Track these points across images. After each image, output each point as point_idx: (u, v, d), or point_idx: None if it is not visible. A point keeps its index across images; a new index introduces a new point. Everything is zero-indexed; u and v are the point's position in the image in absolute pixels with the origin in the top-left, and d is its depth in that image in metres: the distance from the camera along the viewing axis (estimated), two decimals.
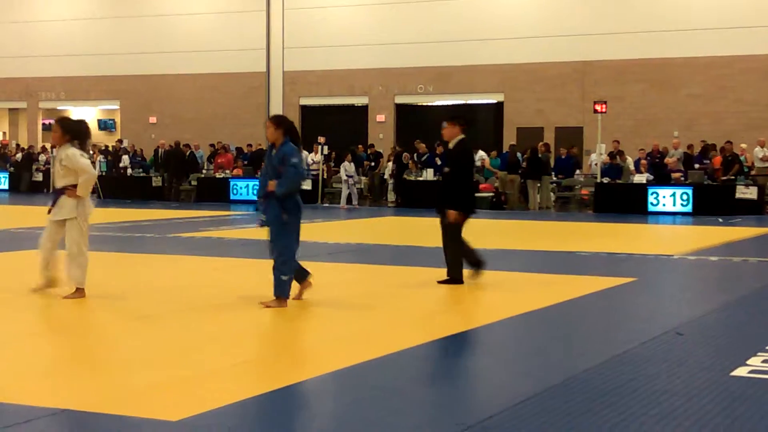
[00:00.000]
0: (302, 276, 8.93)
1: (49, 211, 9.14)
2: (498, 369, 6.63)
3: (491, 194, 25.17)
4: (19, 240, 15.03)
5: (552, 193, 25.48)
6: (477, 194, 25.10)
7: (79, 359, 6.66)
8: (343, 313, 8.68)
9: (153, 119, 34.51)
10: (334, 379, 6.07)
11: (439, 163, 24.74)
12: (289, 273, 8.64)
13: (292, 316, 8.49)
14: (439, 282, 10.37)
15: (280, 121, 8.73)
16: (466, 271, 10.43)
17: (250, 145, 30.05)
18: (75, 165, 9.10)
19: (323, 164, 27.20)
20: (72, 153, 9.11)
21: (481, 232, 19.02)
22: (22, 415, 5.10)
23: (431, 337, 7.46)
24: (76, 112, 38.29)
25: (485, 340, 7.69)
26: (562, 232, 18.93)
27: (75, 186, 9.03)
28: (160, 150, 29.72)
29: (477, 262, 10.43)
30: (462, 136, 10.26)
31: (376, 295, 9.88)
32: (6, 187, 32.16)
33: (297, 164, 8.55)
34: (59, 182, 9.15)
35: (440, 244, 10.58)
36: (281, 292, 8.62)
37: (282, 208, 8.54)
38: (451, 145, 10.35)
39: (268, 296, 8.72)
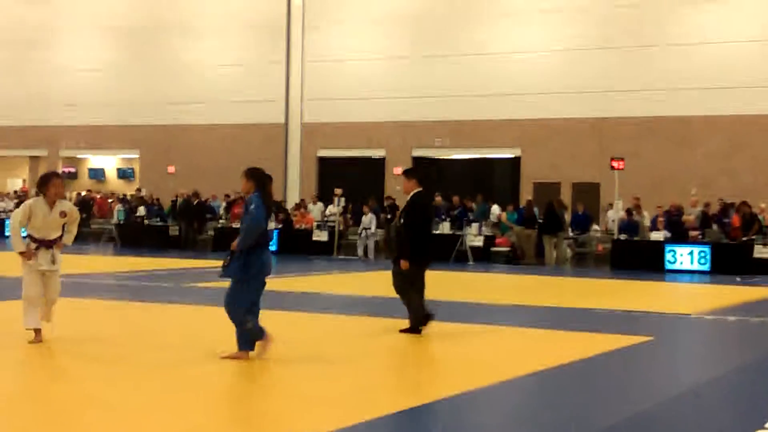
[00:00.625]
0: (259, 335, 8.73)
1: (53, 262, 9.39)
2: (509, 428, 6.53)
3: (507, 249, 25.09)
4: None
5: (568, 249, 25.39)
6: (493, 248, 25.23)
7: (88, 411, 6.62)
8: (351, 366, 8.60)
9: (171, 169, 34.68)
10: None
11: (471, 216, 25.21)
12: (247, 325, 8.55)
13: (301, 370, 8.42)
14: (401, 330, 10.57)
15: (250, 173, 8.74)
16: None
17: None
18: (77, 217, 9.76)
19: (340, 216, 27.24)
20: (72, 206, 9.81)
21: (496, 286, 18.97)
22: None
23: (440, 395, 7.37)
24: (95, 160, 38.60)
25: (497, 398, 7.59)
26: (578, 288, 18.81)
27: (60, 237, 9.51)
28: (178, 199, 29.87)
29: (426, 316, 10.67)
30: (418, 189, 10.68)
31: (386, 348, 9.80)
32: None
33: (252, 211, 8.49)
34: (54, 234, 9.45)
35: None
36: (241, 345, 8.60)
37: (244, 263, 8.47)
38: (407, 198, 10.75)
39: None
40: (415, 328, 10.55)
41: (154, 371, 8.06)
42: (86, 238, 31.59)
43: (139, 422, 6.19)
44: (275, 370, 8.35)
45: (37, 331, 9.35)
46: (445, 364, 9.03)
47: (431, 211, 11.31)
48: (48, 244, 9.38)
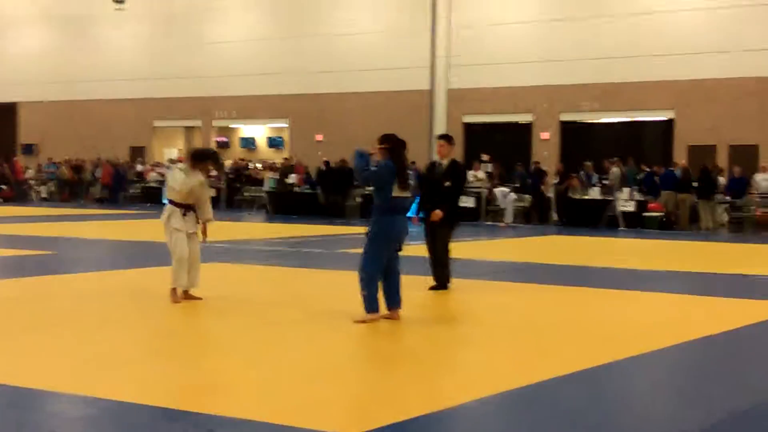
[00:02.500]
0: (393, 303, 8.88)
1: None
2: (664, 398, 6.40)
3: (661, 214, 24.41)
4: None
5: (725, 214, 24.50)
6: (645, 213, 24.60)
7: (253, 371, 6.85)
8: (510, 331, 8.60)
9: (320, 137, 35.31)
10: (501, 400, 6.02)
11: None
12: (366, 290, 8.68)
13: (452, 336, 8.47)
14: (430, 288, 11.05)
15: (380, 140, 8.90)
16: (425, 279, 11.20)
17: (413, 162, 30.25)
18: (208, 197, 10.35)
19: (486, 182, 27.11)
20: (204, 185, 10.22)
21: (650, 252, 18.51)
22: (206, 425, 5.29)
23: (595, 363, 7.28)
24: (246, 130, 39.66)
25: (651, 366, 7.45)
26: (736, 254, 18.16)
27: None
28: (326, 166, 30.33)
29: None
30: (454, 155, 11.35)
31: (535, 314, 9.75)
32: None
33: (372, 168, 8.86)
34: (189, 201, 10.02)
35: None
36: (365, 307, 8.70)
37: (372, 225, 8.81)
38: (445, 162, 11.12)
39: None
40: (444, 285, 11.12)
41: (306, 331, 8.28)
42: (240, 205, 32.61)
43: (296, 382, 6.38)
44: (422, 335, 8.44)
45: (185, 291, 9.88)
46: (596, 332, 8.90)
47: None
48: (188, 208, 9.92)
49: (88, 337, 8.06)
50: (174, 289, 9.85)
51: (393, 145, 8.80)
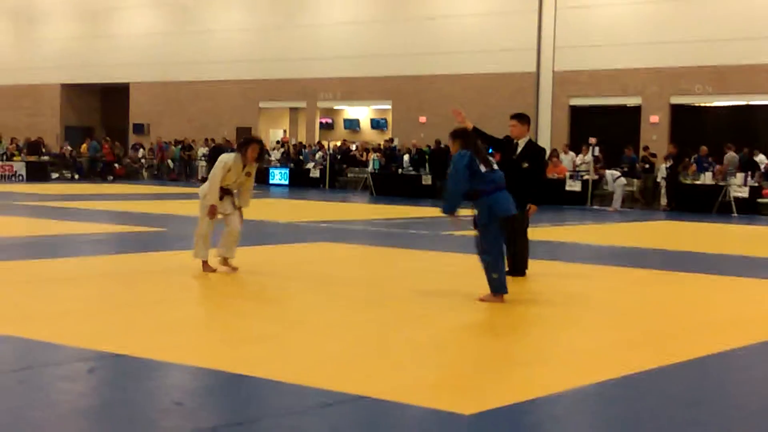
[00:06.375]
0: (497, 289, 8.81)
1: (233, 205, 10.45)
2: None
3: None
4: (303, 233, 15.84)
5: None
6: (759, 200, 23.88)
7: (373, 350, 6.89)
8: (627, 316, 8.45)
9: (423, 119, 35.27)
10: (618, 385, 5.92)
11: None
12: (494, 272, 8.69)
13: (559, 319, 8.37)
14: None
15: (452, 134, 8.90)
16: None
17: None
18: (252, 185, 10.67)
19: (593, 166, 26.69)
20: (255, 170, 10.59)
21: (764, 238, 17.96)
22: (322, 399, 5.34)
23: (707, 351, 7.09)
24: (350, 111, 39.90)
25: (765, 356, 7.23)
26: None
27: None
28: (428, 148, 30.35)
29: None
30: (528, 136, 10.62)
31: (650, 298, 9.55)
32: (286, 182, 34.03)
33: (450, 174, 8.74)
34: (236, 189, 10.46)
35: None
36: (495, 289, 8.74)
37: (478, 213, 8.79)
38: (521, 143, 10.49)
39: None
40: (522, 271, 10.51)
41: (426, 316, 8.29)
42: (344, 186, 32.86)
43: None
44: (526, 317, 8.36)
45: (205, 263, 10.29)
46: (709, 319, 8.67)
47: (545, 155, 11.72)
48: (227, 192, 10.32)
49: (204, 311, 8.23)
50: (204, 262, 10.28)
51: (461, 137, 8.82)
